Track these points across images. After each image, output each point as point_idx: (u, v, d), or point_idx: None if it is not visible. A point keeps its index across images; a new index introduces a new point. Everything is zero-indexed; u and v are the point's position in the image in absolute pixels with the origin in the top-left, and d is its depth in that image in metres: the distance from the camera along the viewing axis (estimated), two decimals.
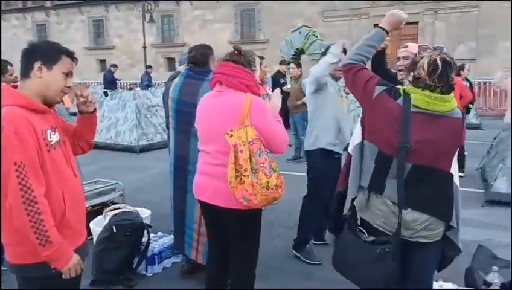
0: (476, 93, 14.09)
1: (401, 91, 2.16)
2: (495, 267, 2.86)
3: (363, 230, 2.26)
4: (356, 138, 2.37)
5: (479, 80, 16.44)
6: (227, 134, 2.35)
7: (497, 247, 4.16)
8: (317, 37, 11.75)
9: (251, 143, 2.35)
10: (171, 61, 29.70)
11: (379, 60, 2.94)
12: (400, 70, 3.04)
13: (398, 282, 2.19)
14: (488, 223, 4.86)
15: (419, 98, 2.09)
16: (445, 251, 2.30)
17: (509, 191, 5.33)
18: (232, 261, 2.65)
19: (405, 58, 3.04)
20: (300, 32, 11.91)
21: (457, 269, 3.19)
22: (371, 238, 2.22)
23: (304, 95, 7.25)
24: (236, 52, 2.58)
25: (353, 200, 2.32)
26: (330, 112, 3.83)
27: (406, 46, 3.15)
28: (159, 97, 9.64)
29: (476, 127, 11.69)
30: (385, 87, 2.18)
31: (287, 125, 8.40)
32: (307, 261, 3.97)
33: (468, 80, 8.26)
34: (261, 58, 5.21)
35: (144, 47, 23.04)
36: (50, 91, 1.94)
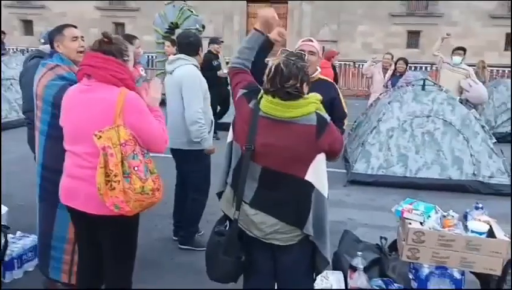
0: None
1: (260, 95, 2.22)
2: (359, 253, 3.13)
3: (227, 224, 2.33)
4: (229, 136, 2.42)
5: (340, 62, 17.75)
6: (95, 135, 2.13)
7: (358, 226, 4.61)
8: (192, 12, 11.45)
9: (123, 145, 2.16)
10: (27, 24, 26.66)
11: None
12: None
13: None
14: (350, 202, 5.34)
15: (263, 103, 2.15)
16: (315, 258, 2.32)
17: (367, 172, 5.91)
18: (106, 276, 2.47)
19: (311, 53, 3.02)
20: (174, 6, 11.49)
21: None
22: (217, 229, 2.33)
23: None
24: (105, 40, 2.30)
25: (220, 194, 2.43)
26: None
27: (311, 40, 3.12)
28: (15, 69, 8.54)
29: None
30: (245, 91, 2.28)
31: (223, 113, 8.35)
32: (200, 249, 3.76)
33: (333, 67, 8.84)
34: (133, 37, 4.88)
35: None
36: None
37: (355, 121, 7.68)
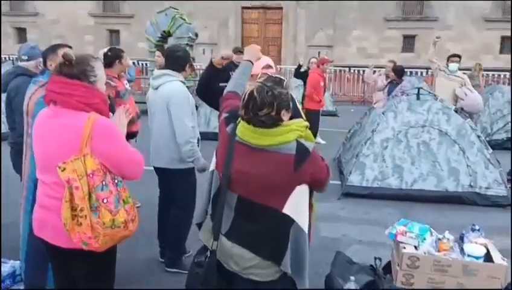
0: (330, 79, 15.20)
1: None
2: (352, 277, 3.01)
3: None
4: (212, 163, 2.32)
5: (335, 68, 17.69)
6: (59, 167, 1.99)
7: (352, 243, 4.49)
8: (184, 20, 11.35)
9: (91, 176, 2.01)
10: (21, 31, 26.54)
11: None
12: None
13: None
14: (344, 217, 5.20)
15: (240, 128, 2.05)
16: None
17: (362, 184, 5.79)
18: None
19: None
20: (166, 14, 11.38)
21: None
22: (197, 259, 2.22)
23: None
24: (66, 62, 2.14)
25: (199, 225, 2.32)
26: None
27: (270, 66, 2.85)
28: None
29: (333, 114, 12.56)
30: (227, 115, 2.19)
31: None
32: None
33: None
34: (120, 51, 4.75)
35: None
36: None
37: (349, 130, 7.57)
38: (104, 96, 2.23)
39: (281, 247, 2.03)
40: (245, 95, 2.00)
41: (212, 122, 8.38)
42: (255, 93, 1.95)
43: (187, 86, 3.69)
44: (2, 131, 7.47)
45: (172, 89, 3.53)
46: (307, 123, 2.10)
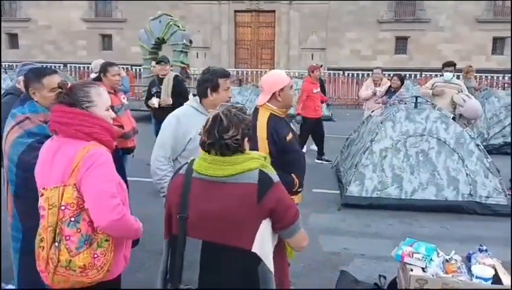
0: (324, 82, 15.17)
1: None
2: None
3: None
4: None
5: (329, 71, 17.69)
6: (40, 192, 1.96)
7: (354, 257, 4.45)
8: (179, 26, 11.28)
9: (62, 208, 1.91)
10: (13, 37, 26.36)
11: None
12: None
13: None
14: (345, 229, 5.15)
15: (197, 162, 1.89)
16: None
17: (362, 194, 5.76)
18: None
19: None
20: (160, 21, 11.29)
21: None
22: None
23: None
24: (61, 91, 2.08)
25: None
26: None
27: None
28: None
29: (328, 119, 12.53)
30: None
31: None
32: None
33: (321, 80, 8.71)
34: (108, 64, 4.71)
35: None
36: None
37: (347, 138, 7.54)
38: (105, 123, 2.14)
39: None
40: (208, 120, 1.87)
41: None
42: (221, 115, 1.84)
43: None
44: None
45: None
46: (266, 154, 2.00)
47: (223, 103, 2.02)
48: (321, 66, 9.37)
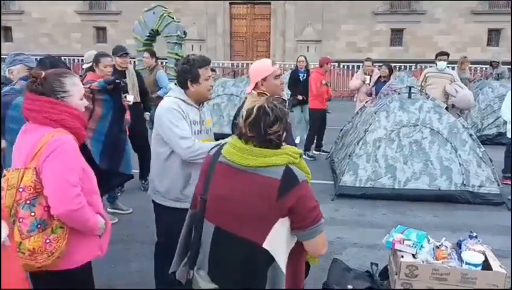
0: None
1: None
2: (349, 286, 2.99)
3: None
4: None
5: None
6: (3, 174, 2.00)
7: (347, 246, 4.47)
8: (173, 18, 11.21)
9: (21, 190, 1.95)
10: (6, 30, 26.14)
11: None
12: None
13: None
14: (338, 219, 5.17)
15: (227, 147, 1.87)
16: None
17: (355, 184, 5.78)
18: None
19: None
20: (154, 13, 11.22)
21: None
22: None
23: (158, 87, 6.80)
24: (34, 79, 2.11)
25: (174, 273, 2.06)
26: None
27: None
28: None
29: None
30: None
31: None
32: None
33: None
34: (100, 55, 4.72)
35: None
36: None
37: (341, 130, 7.54)
38: (76, 111, 2.18)
39: (259, 286, 1.80)
40: (250, 112, 1.80)
41: None
42: (267, 108, 1.78)
43: None
44: None
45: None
46: (301, 151, 1.93)
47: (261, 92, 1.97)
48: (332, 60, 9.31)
